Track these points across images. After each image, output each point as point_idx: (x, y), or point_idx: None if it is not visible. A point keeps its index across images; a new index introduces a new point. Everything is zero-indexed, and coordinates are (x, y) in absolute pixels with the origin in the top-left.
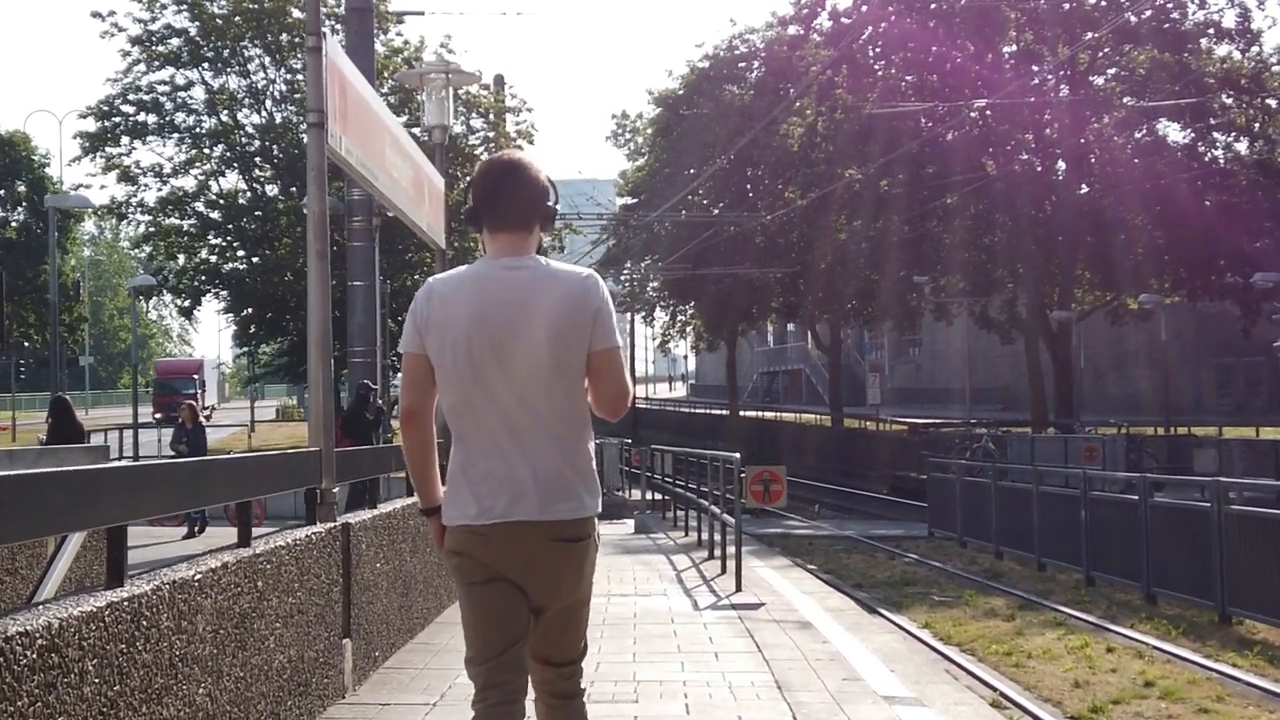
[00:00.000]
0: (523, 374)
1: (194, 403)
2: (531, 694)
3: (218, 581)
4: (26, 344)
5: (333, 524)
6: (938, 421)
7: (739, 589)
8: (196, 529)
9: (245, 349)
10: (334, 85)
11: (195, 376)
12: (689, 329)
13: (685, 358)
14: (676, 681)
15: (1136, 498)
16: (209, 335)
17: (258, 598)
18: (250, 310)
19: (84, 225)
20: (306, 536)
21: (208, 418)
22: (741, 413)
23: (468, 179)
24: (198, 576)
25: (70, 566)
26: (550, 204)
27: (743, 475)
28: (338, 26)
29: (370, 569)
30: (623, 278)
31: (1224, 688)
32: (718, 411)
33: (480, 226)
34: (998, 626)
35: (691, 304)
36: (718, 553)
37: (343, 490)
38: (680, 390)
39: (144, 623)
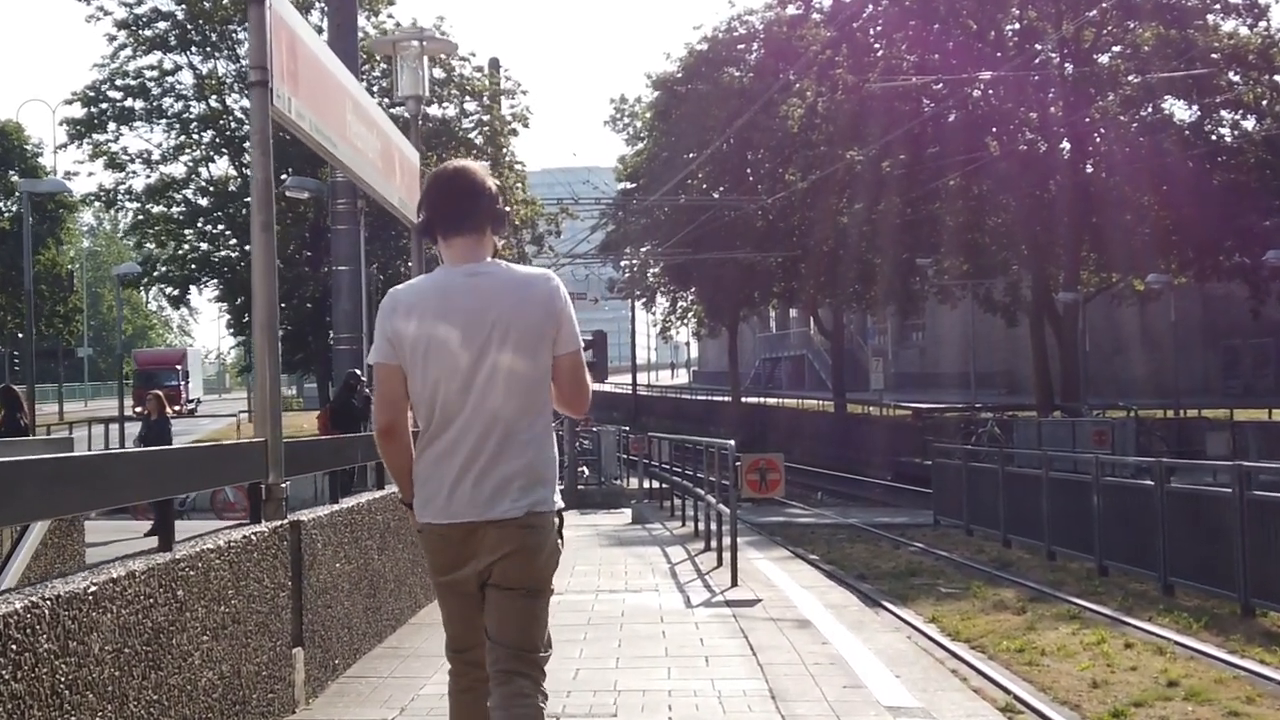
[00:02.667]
0: (489, 379)
1: (160, 393)
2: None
3: (121, 594)
4: (20, 335)
5: (280, 522)
6: (941, 406)
7: (734, 584)
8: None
9: (240, 339)
10: (280, 41)
11: (178, 367)
12: (690, 315)
13: (687, 344)
14: (661, 691)
15: (1152, 483)
16: (209, 325)
17: (177, 609)
18: (243, 299)
19: (83, 216)
20: (245, 537)
21: (191, 411)
22: (744, 399)
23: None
24: (92, 589)
25: (35, 557)
26: (499, 207)
27: (738, 463)
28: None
29: (328, 570)
30: (622, 264)
31: (1253, 687)
32: (720, 398)
33: (434, 237)
34: (1008, 620)
35: (692, 289)
36: (714, 544)
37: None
38: (683, 377)
39: (14, 646)
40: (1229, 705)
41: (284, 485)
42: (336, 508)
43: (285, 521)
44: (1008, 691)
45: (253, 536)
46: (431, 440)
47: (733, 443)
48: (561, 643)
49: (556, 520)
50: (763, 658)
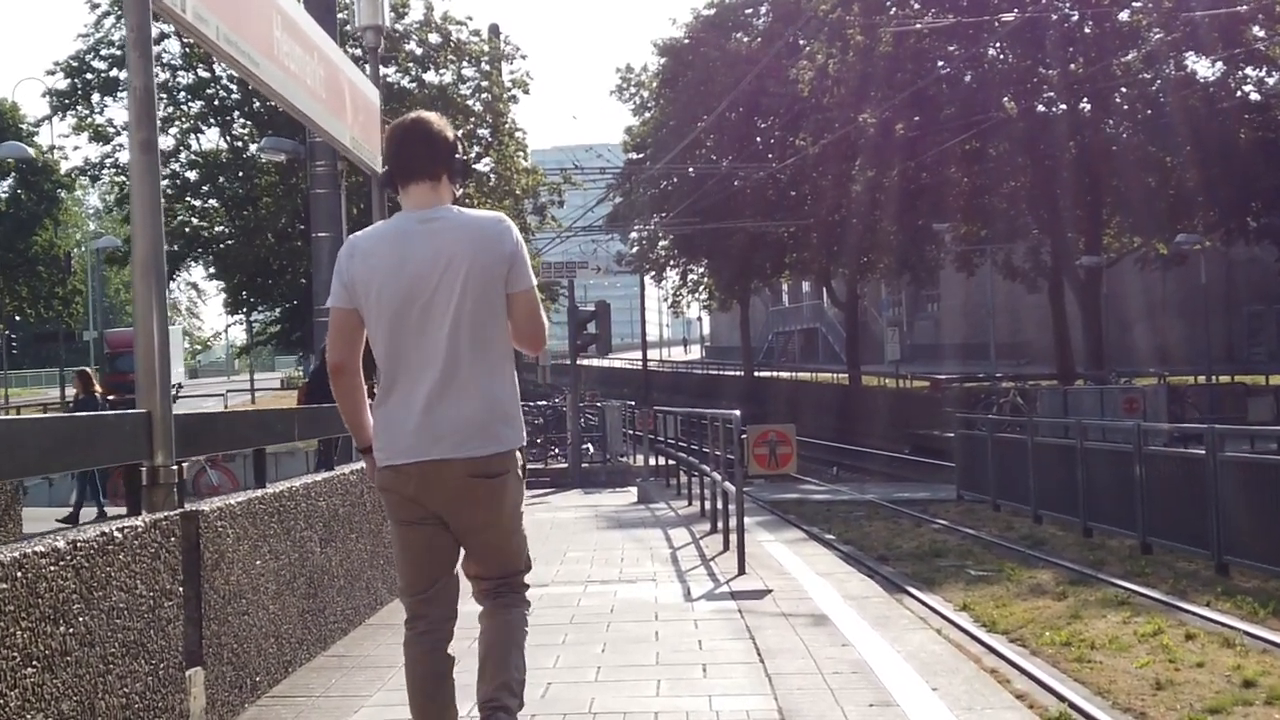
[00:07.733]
0: (445, 321)
1: (88, 370)
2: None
3: None
4: (18, 318)
5: (166, 514)
6: (960, 376)
7: (741, 571)
8: (77, 509)
9: (236, 317)
10: None
11: None
12: (701, 288)
13: (699, 320)
14: (646, 713)
15: (1203, 452)
16: (216, 306)
17: None
18: (239, 277)
19: (90, 199)
20: (103, 535)
21: (175, 396)
22: (756, 373)
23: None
24: None
25: None
26: (458, 156)
27: (744, 436)
28: None
29: (243, 569)
30: (631, 235)
31: None
32: (731, 373)
33: (395, 186)
34: (1049, 607)
35: (704, 262)
36: (721, 526)
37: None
38: (695, 353)
39: None
40: None
41: (174, 469)
42: (256, 494)
43: (175, 513)
44: (1060, 697)
45: (117, 534)
46: (392, 383)
47: (738, 413)
48: (535, 648)
49: (519, 456)
50: (771, 665)
